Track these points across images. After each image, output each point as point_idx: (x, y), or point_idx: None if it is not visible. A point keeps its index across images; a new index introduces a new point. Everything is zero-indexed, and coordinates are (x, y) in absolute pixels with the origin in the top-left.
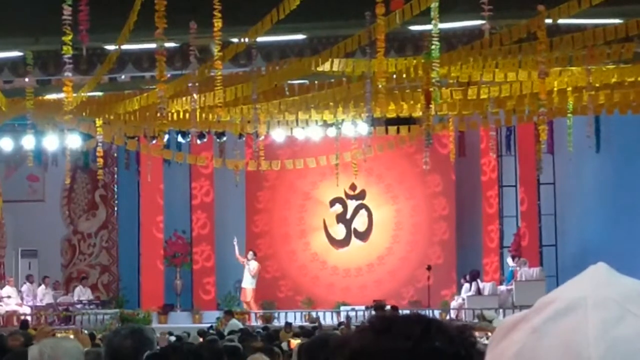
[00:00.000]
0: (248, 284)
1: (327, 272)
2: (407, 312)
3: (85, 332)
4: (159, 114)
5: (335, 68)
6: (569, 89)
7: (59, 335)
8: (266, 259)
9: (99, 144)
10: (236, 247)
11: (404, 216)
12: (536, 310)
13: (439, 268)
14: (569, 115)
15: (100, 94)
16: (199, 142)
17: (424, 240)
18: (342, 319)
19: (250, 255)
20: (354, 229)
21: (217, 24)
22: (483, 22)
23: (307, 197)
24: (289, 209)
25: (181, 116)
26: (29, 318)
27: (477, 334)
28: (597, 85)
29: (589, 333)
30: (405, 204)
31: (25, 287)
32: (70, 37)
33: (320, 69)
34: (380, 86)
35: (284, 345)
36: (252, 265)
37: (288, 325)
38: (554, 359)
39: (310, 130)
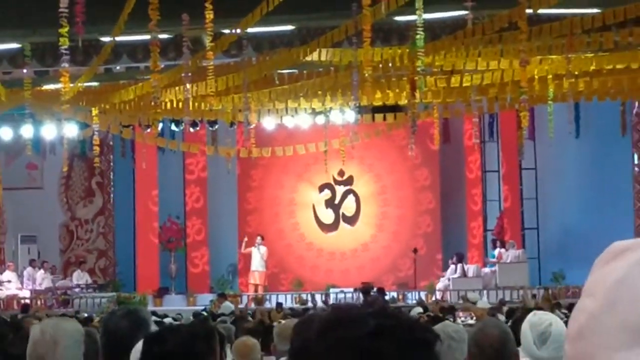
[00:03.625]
0: (260, 267)
1: (317, 255)
2: (394, 294)
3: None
4: (153, 103)
5: (323, 58)
6: (550, 76)
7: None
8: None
9: (95, 133)
10: (243, 245)
11: (391, 195)
12: None
13: (427, 244)
14: (549, 102)
15: (96, 84)
16: (192, 130)
17: (410, 214)
18: (332, 300)
19: (258, 240)
20: (342, 213)
21: (209, 15)
22: (466, 12)
23: (296, 187)
24: (278, 204)
25: (175, 105)
26: (28, 301)
27: (461, 313)
28: (577, 73)
29: None
30: (390, 182)
31: (26, 272)
32: (66, 29)
33: (308, 58)
34: (366, 75)
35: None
36: (263, 250)
37: (279, 305)
38: None
39: (300, 118)
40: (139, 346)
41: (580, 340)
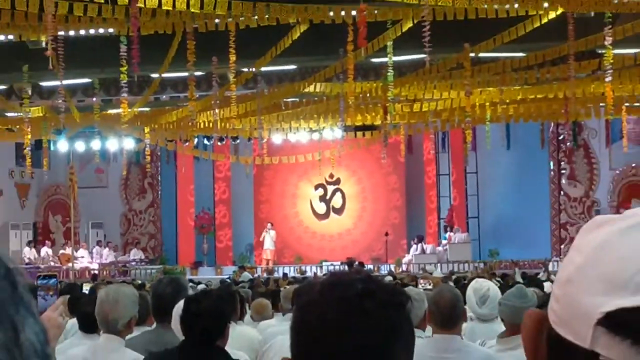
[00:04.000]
0: (270, 246)
1: (312, 237)
2: (370, 266)
3: (138, 281)
4: (190, 124)
5: (318, 89)
6: (487, 103)
7: None
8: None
9: (147, 146)
10: (261, 236)
11: (369, 194)
12: (622, 217)
13: (395, 230)
14: (487, 122)
15: (147, 109)
16: (219, 143)
17: (383, 208)
18: (325, 271)
19: (269, 226)
20: (332, 206)
21: (232, 58)
22: (425, 55)
23: (297, 185)
24: (284, 197)
25: (206, 125)
26: (97, 272)
27: (421, 281)
28: (508, 101)
29: None
30: (369, 185)
31: (95, 250)
32: (125, 68)
33: (307, 90)
34: (350, 102)
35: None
36: (272, 233)
37: (285, 275)
38: (629, 254)
39: (300, 134)
40: (180, 305)
41: (568, 285)
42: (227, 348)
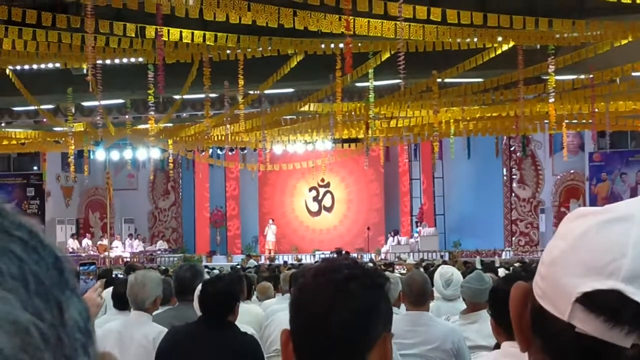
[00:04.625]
0: (272, 238)
1: (306, 230)
2: (354, 255)
3: (163, 267)
4: (206, 137)
5: (311, 108)
6: (451, 120)
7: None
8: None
9: (171, 155)
10: (265, 230)
11: (354, 197)
12: (602, 211)
13: (375, 227)
14: (451, 136)
15: (171, 124)
16: (230, 153)
17: (365, 209)
18: (317, 258)
19: (271, 221)
20: (323, 205)
21: (241, 82)
22: (400, 80)
23: (294, 187)
24: (283, 196)
25: (219, 138)
26: (129, 259)
27: (397, 266)
28: (468, 118)
29: (630, 237)
30: (354, 189)
31: (127, 241)
32: (152, 90)
33: (302, 109)
34: (338, 119)
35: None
36: (273, 227)
37: (285, 262)
38: (605, 244)
39: (297, 146)
40: (198, 288)
41: (552, 266)
42: (236, 323)
